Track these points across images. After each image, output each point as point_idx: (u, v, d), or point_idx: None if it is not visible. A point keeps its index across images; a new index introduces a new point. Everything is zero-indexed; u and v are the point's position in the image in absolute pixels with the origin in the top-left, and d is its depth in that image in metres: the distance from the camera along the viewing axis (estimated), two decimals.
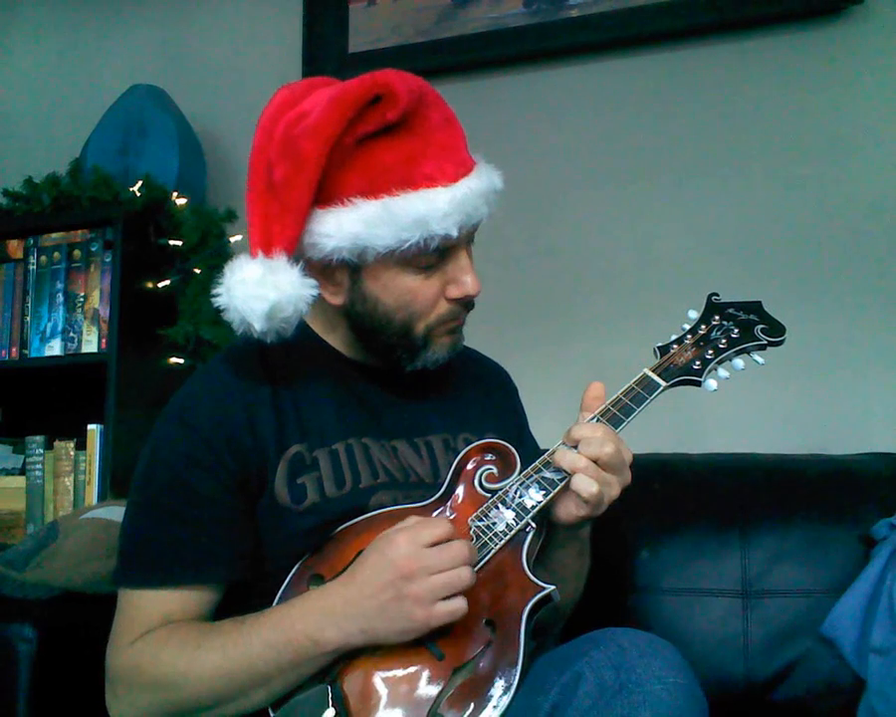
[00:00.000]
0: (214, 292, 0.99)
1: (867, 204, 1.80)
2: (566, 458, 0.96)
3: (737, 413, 1.73)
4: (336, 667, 0.89)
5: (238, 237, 1.97)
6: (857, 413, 1.75)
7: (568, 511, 0.98)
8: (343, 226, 0.95)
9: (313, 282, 0.97)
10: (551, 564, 1.07)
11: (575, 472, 0.94)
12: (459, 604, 0.87)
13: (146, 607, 0.97)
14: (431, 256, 0.99)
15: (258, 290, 0.94)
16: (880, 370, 1.75)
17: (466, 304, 1.05)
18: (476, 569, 0.92)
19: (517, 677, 0.86)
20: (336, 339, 1.10)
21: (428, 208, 0.94)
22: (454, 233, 0.96)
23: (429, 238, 0.95)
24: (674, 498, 1.47)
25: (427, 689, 0.86)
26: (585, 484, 0.93)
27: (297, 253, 0.97)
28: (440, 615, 0.86)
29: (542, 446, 1.22)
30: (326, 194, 0.96)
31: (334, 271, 1.01)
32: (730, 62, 1.91)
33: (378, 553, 0.88)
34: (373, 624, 0.87)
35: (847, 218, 1.80)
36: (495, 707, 0.84)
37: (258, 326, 0.96)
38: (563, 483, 0.99)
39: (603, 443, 0.95)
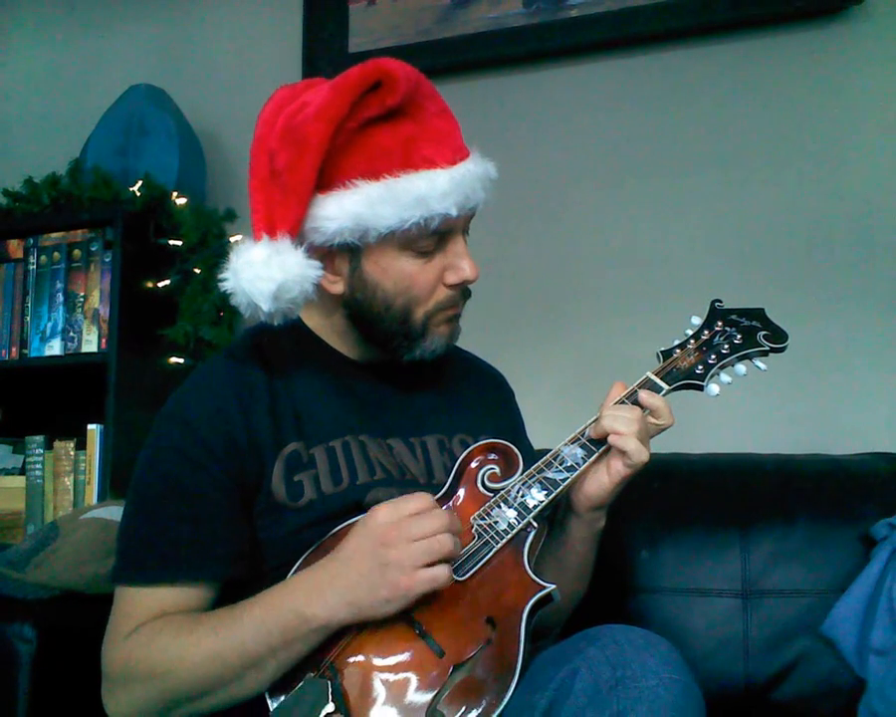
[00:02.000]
0: (221, 276, 1.00)
1: (867, 204, 1.79)
2: (610, 423, 1.01)
3: (737, 413, 1.74)
4: (335, 661, 0.90)
5: (238, 237, 1.96)
6: (857, 413, 1.75)
7: (601, 481, 1.02)
8: (346, 207, 0.97)
9: (317, 263, 0.99)
10: (565, 555, 1.09)
11: (621, 435, 1.00)
12: (441, 571, 0.87)
13: (142, 604, 0.97)
14: (430, 240, 1.01)
15: (264, 271, 0.96)
16: (880, 371, 1.75)
17: (463, 291, 1.07)
18: (477, 567, 0.93)
19: (516, 676, 0.86)
20: (332, 335, 1.11)
21: (429, 187, 0.96)
22: (453, 212, 0.98)
23: (429, 218, 0.97)
24: (674, 498, 1.47)
25: (426, 686, 0.86)
26: (633, 445, 0.99)
27: (299, 238, 0.98)
28: (423, 581, 0.87)
29: (537, 445, 1.22)
30: (327, 179, 0.97)
31: (334, 257, 1.02)
32: (730, 62, 1.91)
33: (361, 525, 0.90)
34: (357, 595, 0.87)
35: (847, 218, 1.80)
36: (493, 705, 0.84)
37: (265, 307, 0.97)
38: (566, 484, 1.00)
39: (631, 422, 1.00)
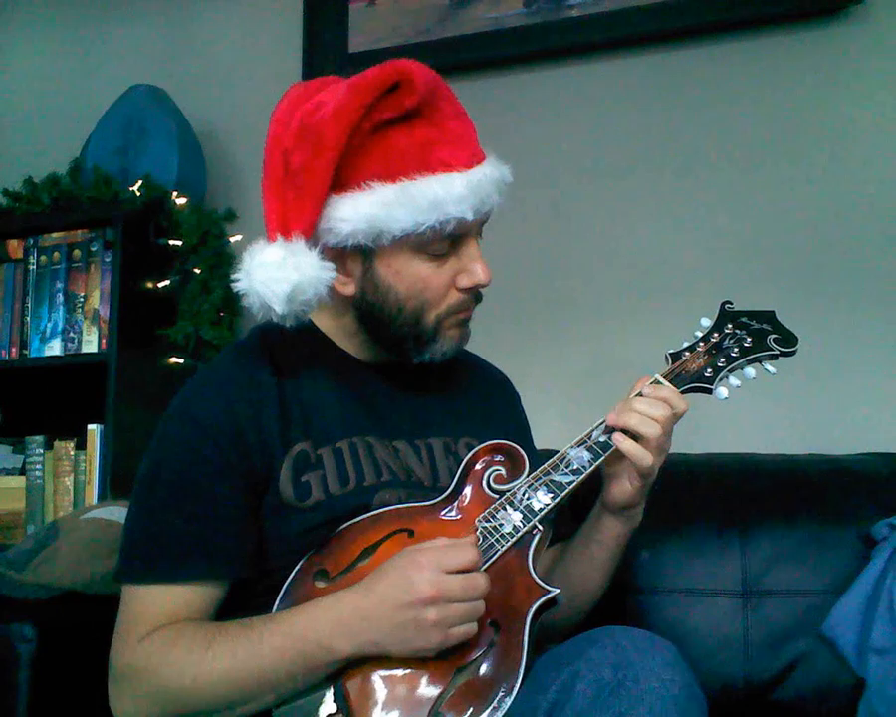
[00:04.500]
0: (233, 277, 1.00)
1: (868, 205, 1.80)
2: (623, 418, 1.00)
3: (737, 413, 1.73)
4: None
5: (238, 237, 1.97)
6: (857, 413, 1.75)
7: (625, 487, 1.03)
8: (360, 209, 0.96)
9: (331, 265, 0.98)
10: (597, 551, 1.09)
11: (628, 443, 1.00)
12: (472, 629, 0.88)
13: (151, 604, 0.96)
14: (444, 243, 1.00)
15: (278, 272, 0.95)
16: (880, 371, 1.75)
17: (475, 295, 1.06)
18: (481, 569, 0.92)
19: (519, 679, 0.86)
20: (342, 336, 1.11)
21: (445, 191, 0.96)
22: (469, 216, 0.98)
23: (445, 221, 0.97)
24: (674, 498, 1.46)
25: (429, 689, 0.87)
26: (640, 454, 0.99)
27: (313, 239, 0.98)
28: (454, 639, 0.87)
29: (545, 444, 1.22)
30: (342, 180, 0.97)
31: (346, 259, 1.02)
32: (730, 62, 1.91)
33: (400, 572, 0.88)
34: (388, 641, 0.87)
35: (847, 219, 1.80)
36: (496, 709, 0.84)
37: (279, 308, 0.97)
38: (572, 487, 0.99)
39: (650, 424, 1.00)
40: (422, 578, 0.86)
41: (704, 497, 1.48)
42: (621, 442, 1.00)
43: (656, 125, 1.94)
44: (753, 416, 1.76)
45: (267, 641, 0.89)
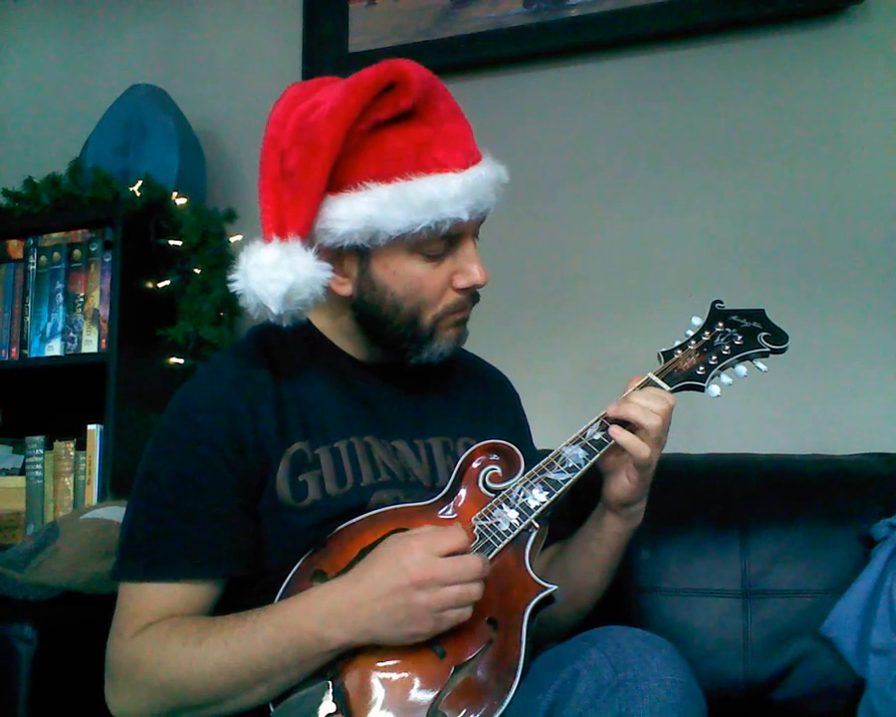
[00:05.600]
0: (230, 277, 1.00)
1: (867, 204, 1.80)
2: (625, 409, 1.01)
3: (737, 414, 1.74)
4: (337, 663, 0.90)
5: (238, 237, 1.97)
6: (857, 413, 1.75)
7: (624, 484, 1.03)
8: (356, 209, 0.96)
9: (327, 265, 0.99)
10: (597, 549, 1.09)
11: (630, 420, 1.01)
12: (466, 613, 0.87)
13: (147, 601, 0.97)
14: (440, 243, 1.00)
15: (274, 273, 0.95)
16: (880, 371, 1.75)
17: (472, 295, 1.06)
18: None
19: (517, 677, 0.86)
20: (339, 336, 1.11)
21: (441, 191, 0.96)
22: (465, 217, 0.98)
23: (440, 222, 0.97)
24: (674, 498, 1.47)
25: (427, 687, 0.87)
26: (638, 446, 0.99)
27: (309, 240, 0.98)
28: (447, 623, 0.87)
29: (540, 443, 1.22)
30: (338, 181, 0.97)
31: (343, 259, 1.02)
32: (730, 62, 1.91)
33: (391, 557, 0.88)
34: (379, 627, 0.87)
35: (847, 218, 1.80)
36: (495, 706, 0.84)
37: (275, 309, 0.97)
38: (568, 485, 1.00)
39: (647, 413, 1.00)
40: (413, 561, 0.86)
41: (704, 497, 1.49)
42: (618, 434, 1.00)
43: (655, 126, 1.94)
44: (752, 416, 1.76)
45: (260, 632, 0.89)
